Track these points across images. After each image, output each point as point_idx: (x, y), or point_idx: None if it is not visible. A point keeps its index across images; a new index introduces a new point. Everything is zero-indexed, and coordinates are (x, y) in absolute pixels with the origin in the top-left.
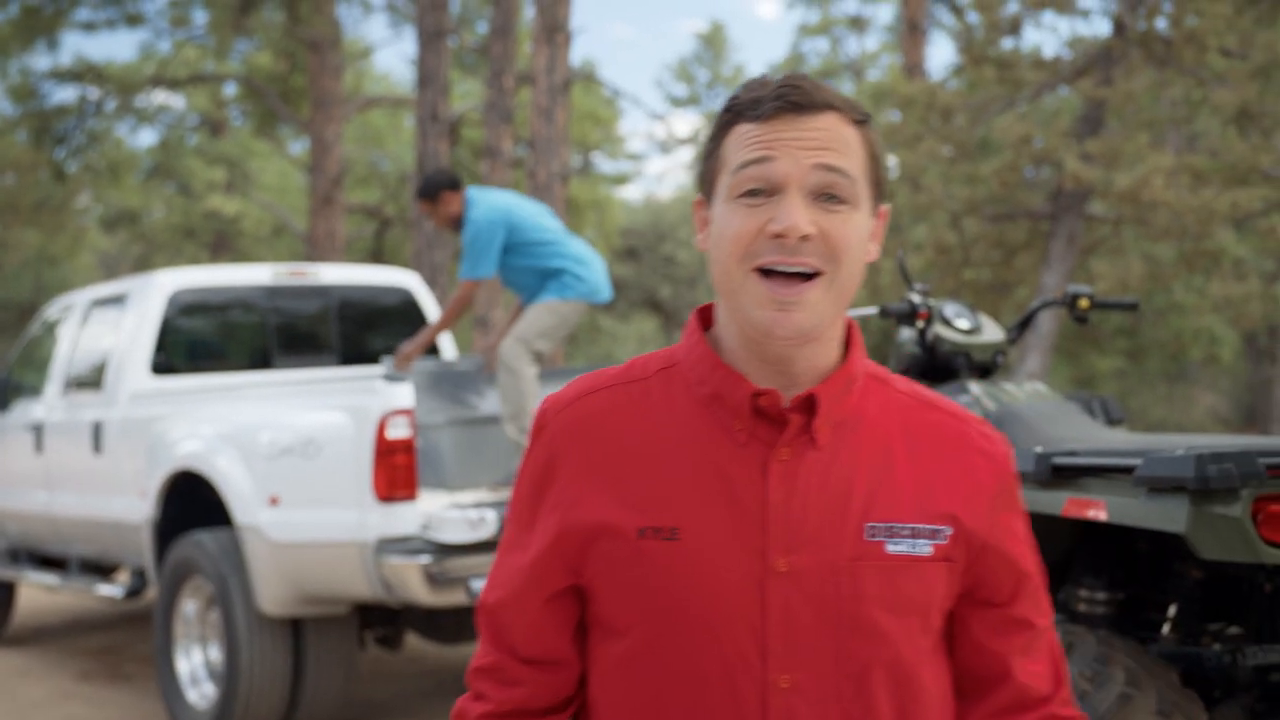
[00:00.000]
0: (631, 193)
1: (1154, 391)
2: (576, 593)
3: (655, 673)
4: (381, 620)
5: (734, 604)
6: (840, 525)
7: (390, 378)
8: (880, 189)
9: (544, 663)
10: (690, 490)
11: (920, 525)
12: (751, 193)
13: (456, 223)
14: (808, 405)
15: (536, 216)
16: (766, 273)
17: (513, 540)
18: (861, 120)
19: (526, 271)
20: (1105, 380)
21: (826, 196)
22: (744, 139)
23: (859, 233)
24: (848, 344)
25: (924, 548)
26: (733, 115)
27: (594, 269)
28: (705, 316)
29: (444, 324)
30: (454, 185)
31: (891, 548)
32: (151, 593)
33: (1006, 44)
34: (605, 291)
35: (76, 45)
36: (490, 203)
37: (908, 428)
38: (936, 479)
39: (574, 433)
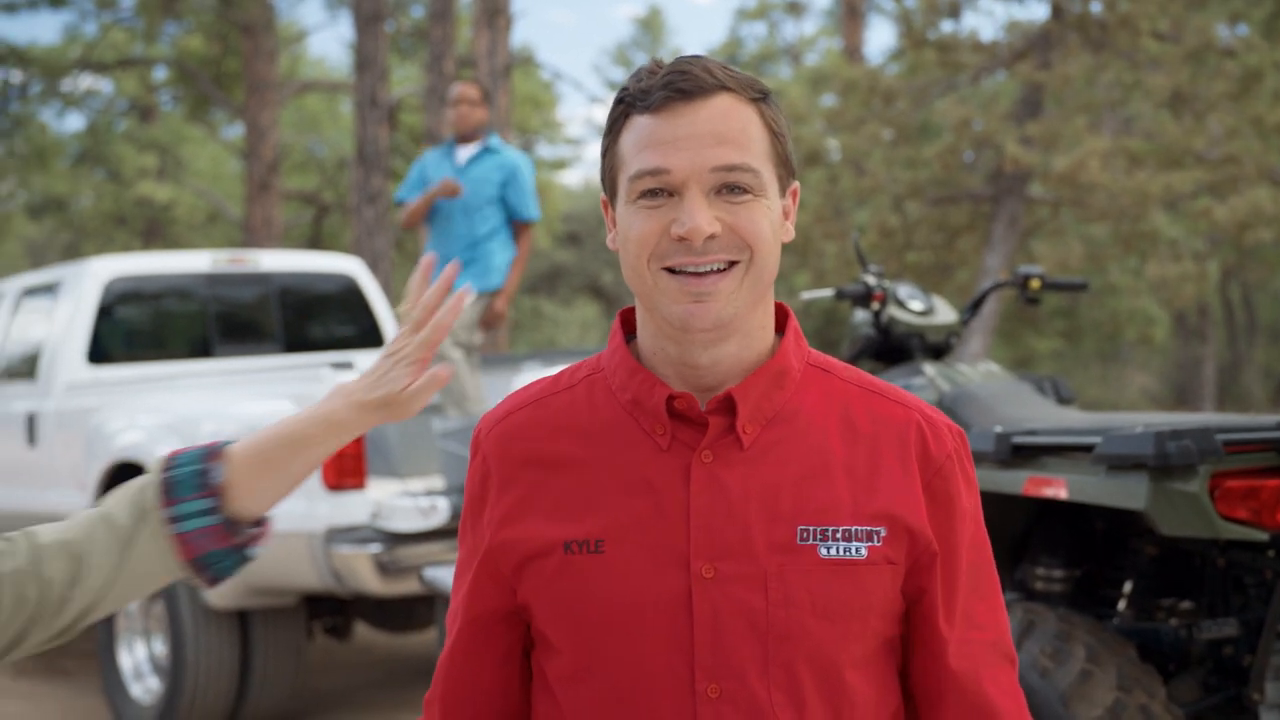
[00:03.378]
0: (571, 178)
1: (1088, 372)
2: (513, 618)
3: (589, 688)
4: (330, 610)
5: (660, 614)
6: (768, 529)
7: (336, 365)
8: (787, 166)
9: (478, 700)
10: (614, 500)
11: (856, 527)
12: (651, 193)
13: (477, 131)
14: (727, 405)
15: None
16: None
17: (460, 559)
18: (759, 96)
19: (485, 243)
20: (1043, 361)
21: (729, 189)
22: (638, 136)
23: (768, 218)
24: (783, 333)
25: (859, 550)
26: (625, 107)
27: None
28: (629, 320)
29: (520, 270)
30: None
31: (824, 551)
32: None
33: (946, 27)
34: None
35: None
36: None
37: (849, 418)
38: (877, 474)
39: (503, 449)
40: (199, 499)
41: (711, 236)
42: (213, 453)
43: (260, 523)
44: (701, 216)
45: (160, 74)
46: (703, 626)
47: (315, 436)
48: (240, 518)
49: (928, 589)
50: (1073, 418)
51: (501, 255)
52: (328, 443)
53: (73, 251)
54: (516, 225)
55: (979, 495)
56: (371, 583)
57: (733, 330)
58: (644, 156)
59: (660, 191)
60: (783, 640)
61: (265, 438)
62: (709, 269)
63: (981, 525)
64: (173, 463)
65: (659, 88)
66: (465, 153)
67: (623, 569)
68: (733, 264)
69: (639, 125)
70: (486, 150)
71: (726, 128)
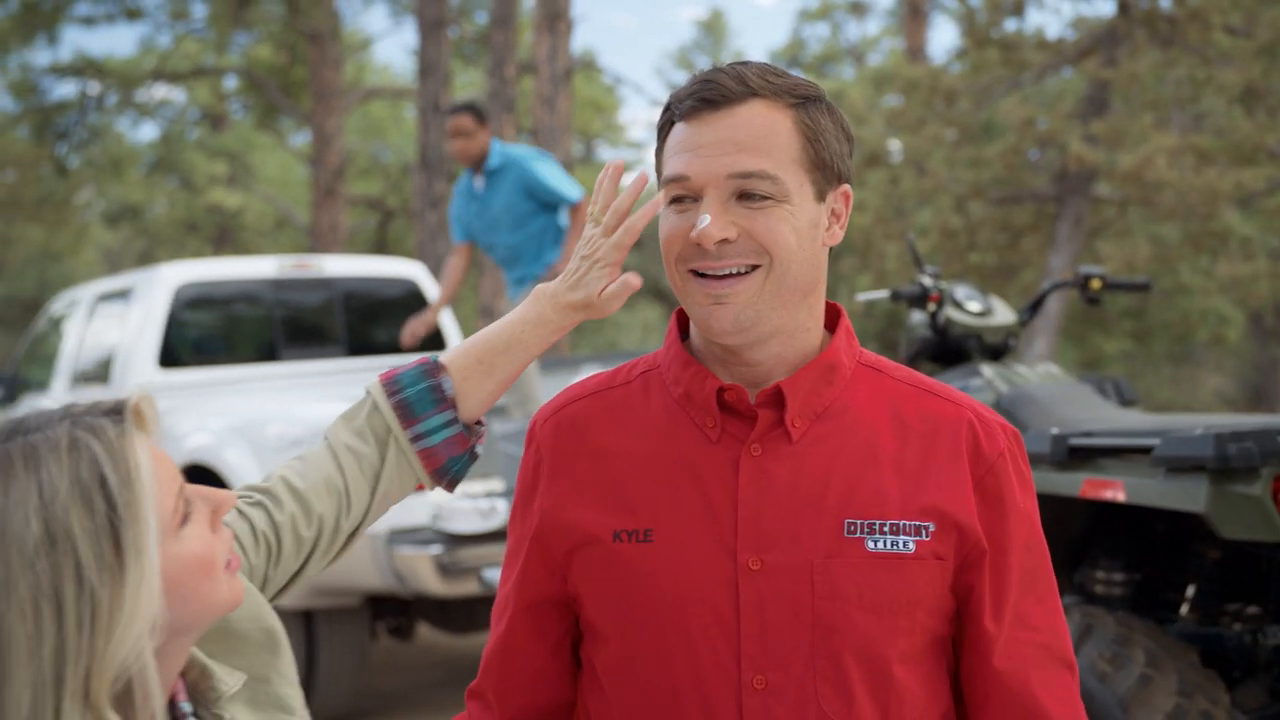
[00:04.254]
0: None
1: (1159, 373)
2: (563, 605)
3: (636, 678)
4: (393, 611)
5: (707, 604)
6: (816, 521)
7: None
8: (829, 170)
9: (526, 689)
10: (665, 491)
11: (904, 521)
12: (678, 199)
13: (482, 156)
14: (776, 399)
15: None
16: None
17: (510, 548)
18: (798, 102)
19: (535, 239)
20: (1111, 362)
21: (747, 195)
22: (672, 143)
23: (789, 223)
24: (835, 332)
25: (907, 545)
26: (669, 114)
27: None
28: (684, 318)
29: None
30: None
31: (872, 545)
32: None
33: (1010, 25)
34: None
35: (76, 40)
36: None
37: (900, 416)
38: (927, 470)
39: (557, 440)
40: (439, 413)
41: (726, 241)
42: (433, 368)
43: (480, 423)
44: (713, 224)
45: (230, 83)
46: (749, 618)
47: (525, 337)
48: (469, 422)
49: (976, 586)
50: (1132, 419)
51: (552, 248)
52: (537, 342)
53: (147, 258)
54: (569, 211)
55: (1035, 497)
56: (432, 583)
57: (766, 332)
58: (672, 163)
59: (686, 197)
60: (829, 633)
61: (477, 343)
62: (727, 272)
63: (1038, 528)
64: (396, 385)
65: (687, 96)
66: (480, 181)
67: (670, 558)
68: (754, 268)
69: (675, 132)
70: (494, 171)
71: (748, 135)
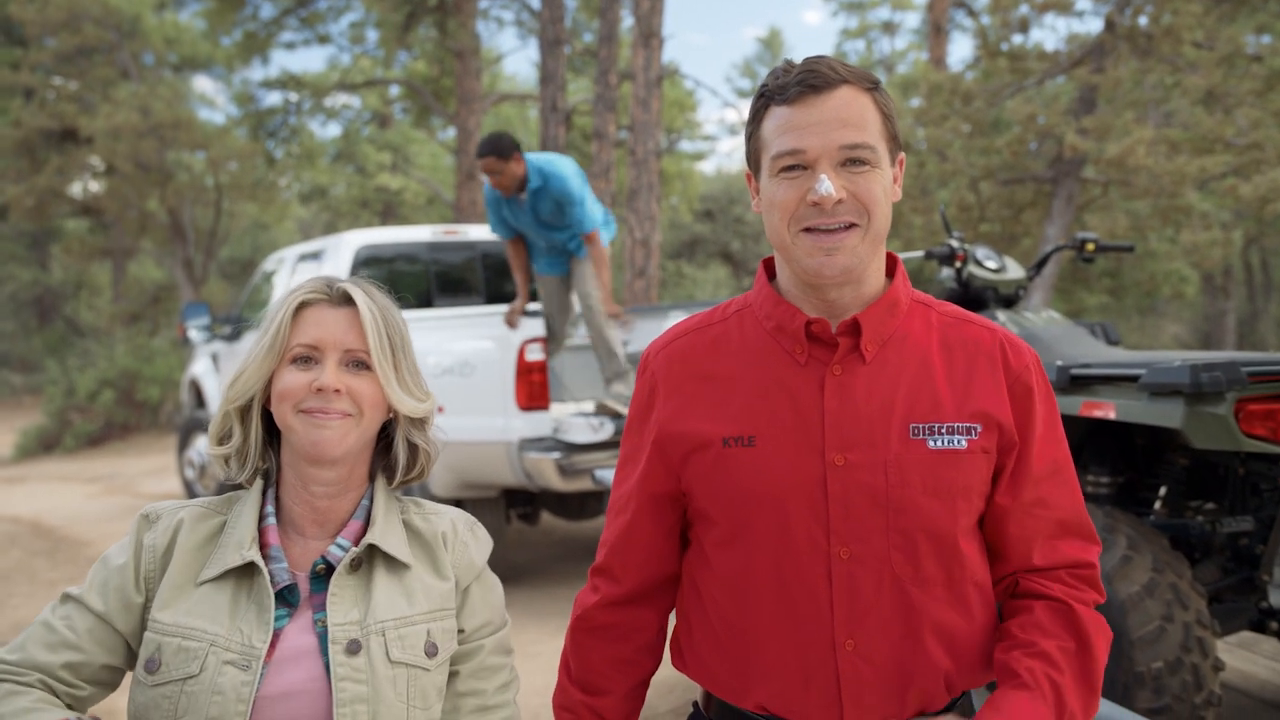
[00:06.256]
0: (707, 167)
1: (1129, 323)
2: (677, 498)
3: (743, 550)
4: (523, 501)
5: (802, 494)
6: (887, 426)
7: (527, 313)
8: (896, 141)
9: (645, 564)
10: (763, 405)
11: (957, 424)
12: (789, 168)
13: (521, 183)
14: (853, 329)
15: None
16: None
17: (625, 457)
18: (872, 86)
19: (567, 233)
20: (1091, 313)
21: (852, 162)
22: (778, 123)
23: (882, 185)
24: (893, 275)
25: (960, 442)
26: (765, 100)
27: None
28: (770, 265)
29: (605, 271)
30: (518, 146)
31: (932, 443)
32: None
33: (1016, 39)
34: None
35: (281, 60)
36: (563, 160)
37: (946, 341)
38: (971, 382)
39: (669, 368)
40: None
41: (839, 201)
42: None
43: None
44: (830, 186)
45: (394, 91)
46: (836, 502)
47: None
48: None
49: (1004, 469)
50: (1120, 355)
51: (575, 242)
52: None
53: (331, 228)
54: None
55: (1055, 403)
56: (554, 480)
57: (859, 275)
58: (784, 139)
59: (797, 167)
60: (899, 513)
61: None
62: (837, 227)
63: (1058, 426)
64: None
65: (794, 84)
66: (522, 196)
67: (770, 459)
68: (853, 225)
69: (778, 114)
70: (535, 190)
71: (849, 114)
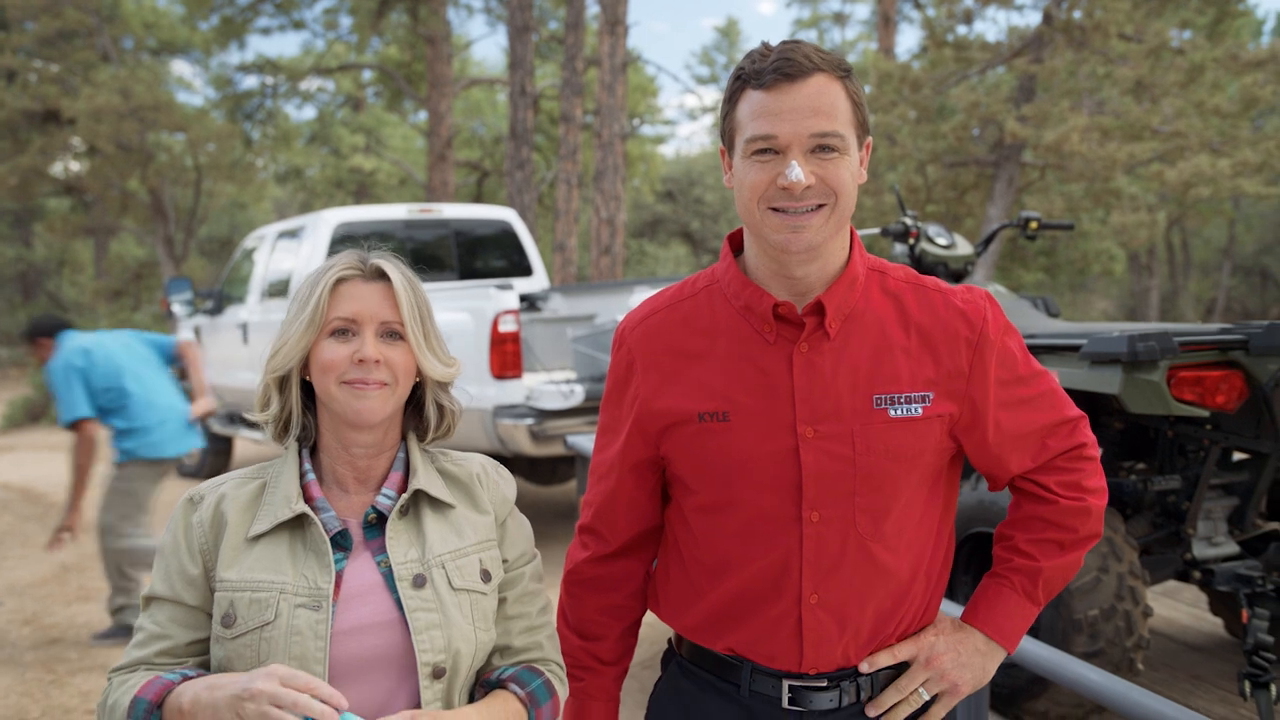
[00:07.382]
0: (667, 150)
1: (1062, 298)
2: (657, 463)
3: (720, 516)
4: None
5: (774, 464)
6: (852, 398)
7: (499, 286)
8: (864, 127)
9: (630, 523)
10: (735, 382)
11: (913, 394)
12: (762, 151)
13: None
14: (818, 309)
15: (119, 365)
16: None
17: (605, 426)
18: (844, 74)
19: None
20: (1029, 289)
21: (821, 149)
22: (752, 107)
23: (850, 170)
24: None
25: (916, 410)
26: (741, 83)
27: (161, 424)
28: (735, 240)
29: (83, 473)
30: (48, 332)
31: (893, 413)
32: None
33: (961, 31)
34: (171, 446)
35: (257, 45)
36: (71, 347)
37: (902, 309)
38: (927, 345)
39: (645, 343)
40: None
41: (809, 186)
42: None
43: None
44: (800, 172)
45: (367, 75)
46: (808, 472)
47: None
48: None
49: (971, 420)
50: (1062, 326)
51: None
52: None
53: (307, 207)
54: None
55: (1018, 334)
56: (527, 446)
57: (820, 253)
58: (758, 124)
59: (769, 151)
60: (866, 478)
61: None
62: (805, 210)
63: (1025, 359)
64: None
65: (770, 70)
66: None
67: (744, 432)
68: (821, 206)
69: (753, 98)
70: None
71: (821, 102)
